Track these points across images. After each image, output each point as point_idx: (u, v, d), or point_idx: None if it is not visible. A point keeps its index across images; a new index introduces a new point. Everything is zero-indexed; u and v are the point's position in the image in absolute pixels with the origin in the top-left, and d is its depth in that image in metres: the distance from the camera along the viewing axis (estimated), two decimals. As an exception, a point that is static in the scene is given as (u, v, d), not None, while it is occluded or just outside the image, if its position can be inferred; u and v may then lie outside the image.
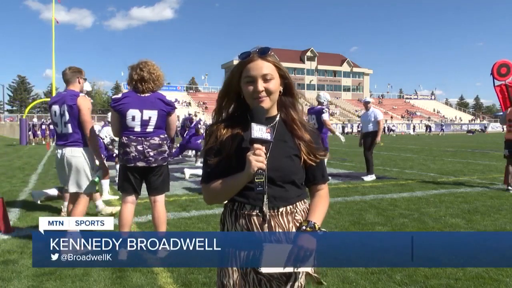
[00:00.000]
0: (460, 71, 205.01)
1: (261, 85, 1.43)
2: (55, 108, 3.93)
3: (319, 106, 8.01)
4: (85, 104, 3.89)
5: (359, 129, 9.31)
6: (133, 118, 3.62)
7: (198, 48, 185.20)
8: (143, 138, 3.63)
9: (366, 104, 9.23)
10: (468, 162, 12.67)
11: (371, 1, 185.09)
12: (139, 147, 3.61)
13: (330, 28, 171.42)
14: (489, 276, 3.24)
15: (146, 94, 3.66)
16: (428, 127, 53.85)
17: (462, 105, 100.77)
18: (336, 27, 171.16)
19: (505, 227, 4.78)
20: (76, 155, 3.88)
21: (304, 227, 1.44)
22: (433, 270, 3.38)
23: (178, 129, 15.76)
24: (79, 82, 4.05)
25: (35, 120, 29.35)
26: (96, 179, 4.00)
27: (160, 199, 3.83)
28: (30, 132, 27.03)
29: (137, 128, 3.63)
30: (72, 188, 3.94)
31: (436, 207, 5.91)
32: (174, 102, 3.89)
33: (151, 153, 3.63)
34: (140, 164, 3.63)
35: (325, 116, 7.79)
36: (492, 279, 3.18)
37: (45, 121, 27.38)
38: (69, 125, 3.87)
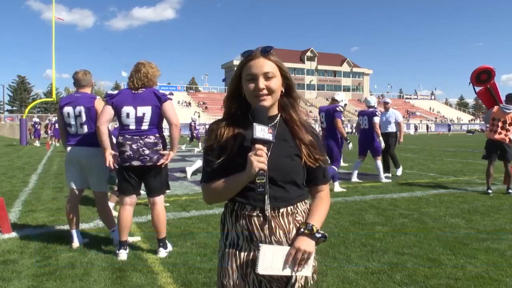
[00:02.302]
0: (460, 71, 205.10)
1: (262, 83, 1.41)
2: (68, 109, 4.04)
3: (371, 109, 8.51)
4: (102, 107, 4.02)
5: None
6: (128, 115, 3.63)
7: (198, 48, 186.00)
8: (138, 137, 3.63)
9: (385, 105, 9.57)
10: (468, 162, 12.67)
11: (371, 1, 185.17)
12: (134, 146, 3.61)
13: (330, 28, 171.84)
14: (489, 276, 3.24)
15: (139, 91, 3.68)
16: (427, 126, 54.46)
17: (462, 105, 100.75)
18: (336, 27, 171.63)
19: (504, 227, 4.78)
20: (94, 155, 4.00)
21: (302, 229, 1.43)
22: (433, 270, 3.38)
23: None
24: (93, 85, 4.26)
25: (35, 119, 28.86)
26: (112, 177, 4.15)
27: (159, 200, 3.82)
28: (46, 132, 26.18)
29: (132, 126, 3.64)
30: (96, 188, 4.13)
31: (436, 207, 5.91)
32: (168, 95, 3.77)
33: (146, 152, 3.62)
34: (135, 163, 3.62)
35: (377, 120, 8.32)
36: (492, 279, 3.17)
37: (49, 120, 26.57)
38: (85, 126, 4.02)
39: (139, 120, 3.63)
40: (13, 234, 4.49)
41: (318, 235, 1.43)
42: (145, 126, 3.65)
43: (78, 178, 4.12)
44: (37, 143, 25.12)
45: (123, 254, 3.68)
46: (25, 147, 22.72)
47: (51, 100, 42.48)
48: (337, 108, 7.13)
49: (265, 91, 1.42)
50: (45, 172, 10.60)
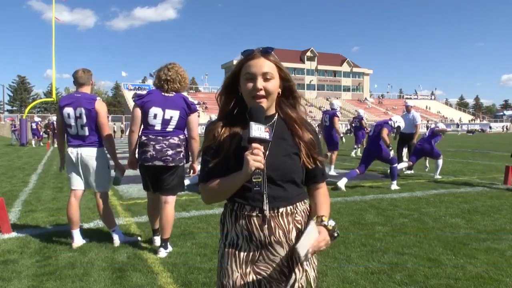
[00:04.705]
0: (460, 71, 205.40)
1: (260, 83, 1.41)
2: (69, 110, 4.02)
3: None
4: (103, 108, 4.07)
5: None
6: (155, 116, 3.67)
7: (198, 48, 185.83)
8: (162, 137, 3.68)
9: (407, 108, 10.95)
10: (468, 162, 12.66)
11: (371, 1, 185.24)
12: (158, 146, 3.66)
13: (330, 28, 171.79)
14: (489, 276, 3.24)
15: (170, 94, 3.72)
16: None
17: (462, 105, 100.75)
18: (336, 27, 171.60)
19: (505, 227, 4.78)
20: (95, 156, 4.03)
21: (325, 223, 1.43)
22: (433, 270, 3.39)
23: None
24: (92, 84, 4.25)
25: (37, 118, 28.54)
26: (116, 178, 4.21)
27: (171, 200, 3.85)
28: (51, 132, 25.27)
29: (158, 127, 3.68)
30: (97, 188, 4.14)
31: (436, 207, 5.91)
32: (196, 105, 3.94)
33: (169, 152, 3.67)
34: (157, 163, 3.67)
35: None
36: (492, 279, 3.18)
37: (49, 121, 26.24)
38: (86, 128, 4.02)
39: (165, 122, 3.68)
40: (13, 234, 4.49)
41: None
42: (170, 128, 3.71)
43: (79, 178, 4.12)
44: (39, 143, 24.97)
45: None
46: (25, 147, 22.70)
47: (51, 100, 42.43)
48: (389, 122, 8.00)
49: (262, 92, 1.41)
50: (45, 172, 10.60)
